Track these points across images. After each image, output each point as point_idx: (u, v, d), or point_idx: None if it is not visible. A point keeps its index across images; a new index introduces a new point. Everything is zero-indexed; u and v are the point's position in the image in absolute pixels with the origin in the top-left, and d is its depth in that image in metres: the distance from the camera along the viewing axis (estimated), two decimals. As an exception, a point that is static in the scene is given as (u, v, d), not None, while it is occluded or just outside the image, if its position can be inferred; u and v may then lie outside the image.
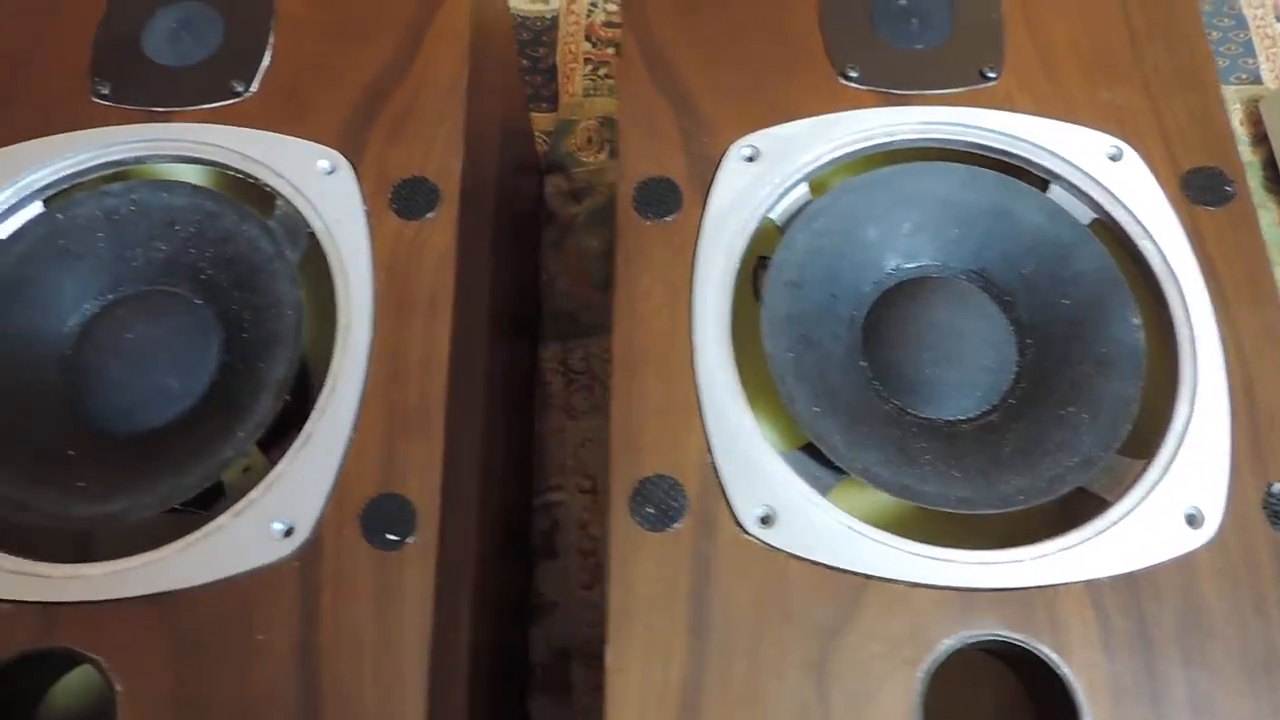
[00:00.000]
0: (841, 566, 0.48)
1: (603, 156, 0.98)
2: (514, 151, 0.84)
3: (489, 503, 0.65)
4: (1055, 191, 0.56)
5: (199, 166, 0.58)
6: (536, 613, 0.84)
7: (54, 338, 0.56)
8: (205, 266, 0.57)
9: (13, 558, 0.49)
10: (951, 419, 0.54)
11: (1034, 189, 0.56)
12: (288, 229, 0.56)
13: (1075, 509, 0.51)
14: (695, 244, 0.54)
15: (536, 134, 1.00)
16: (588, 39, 1.03)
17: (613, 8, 1.04)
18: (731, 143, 0.57)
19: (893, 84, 0.58)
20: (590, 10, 1.04)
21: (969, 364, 0.54)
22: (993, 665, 0.54)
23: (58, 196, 0.58)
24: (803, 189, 0.57)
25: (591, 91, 1.00)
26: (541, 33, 1.04)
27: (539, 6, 1.06)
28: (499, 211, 0.70)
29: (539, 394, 0.91)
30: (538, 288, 0.95)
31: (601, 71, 1.01)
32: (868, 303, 0.56)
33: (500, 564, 0.72)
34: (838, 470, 0.51)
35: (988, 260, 0.56)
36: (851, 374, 0.54)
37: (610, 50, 1.02)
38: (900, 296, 0.56)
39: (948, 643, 0.46)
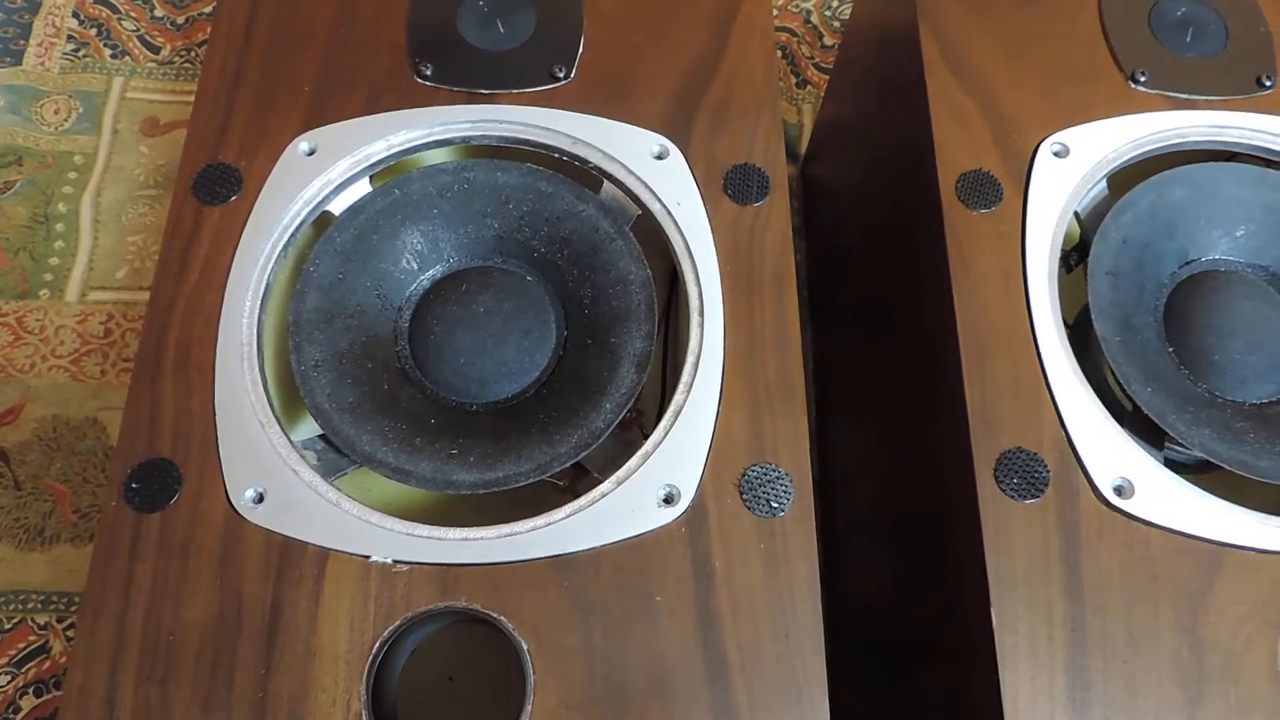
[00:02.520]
0: (1199, 535, 0.51)
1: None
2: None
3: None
4: (1333, 193, 0.61)
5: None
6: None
7: (393, 310, 0.57)
8: (539, 244, 0.58)
9: (403, 521, 0.50)
10: (1259, 401, 0.57)
11: (1318, 190, 0.60)
12: (615, 210, 0.58)
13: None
14: (1023, 234, 0.57)
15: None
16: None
17: (774, 10, 1.07)
18: (1039, 139, 0.60)
19: (1178, 89, 0.62)
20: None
21: (1270, 350, 0.58)
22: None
23: (384, 174, 0.60)
24: (1102, 185, 0.60)
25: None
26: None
27: None
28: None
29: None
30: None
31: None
32: (1166, 293, 0.60)
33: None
34: (1157, 449, 0.55)
35: (1275, 256, 0.60)
36: (1165, 359, 0.58)
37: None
38: (1200, 288, 0.59)
39: (1303, 605, 0.50)
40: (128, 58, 0.98)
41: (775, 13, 1.06)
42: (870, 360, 0.76)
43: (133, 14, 1.00)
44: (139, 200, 0.92)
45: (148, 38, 0.99)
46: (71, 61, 0.98)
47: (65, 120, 0.95)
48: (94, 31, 0.99)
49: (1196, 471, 0.57)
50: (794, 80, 1.02)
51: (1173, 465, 0.57)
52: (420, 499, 0.59)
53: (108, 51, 0.98)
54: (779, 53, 1.04)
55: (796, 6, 1.06)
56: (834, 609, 0.85)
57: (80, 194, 0.91)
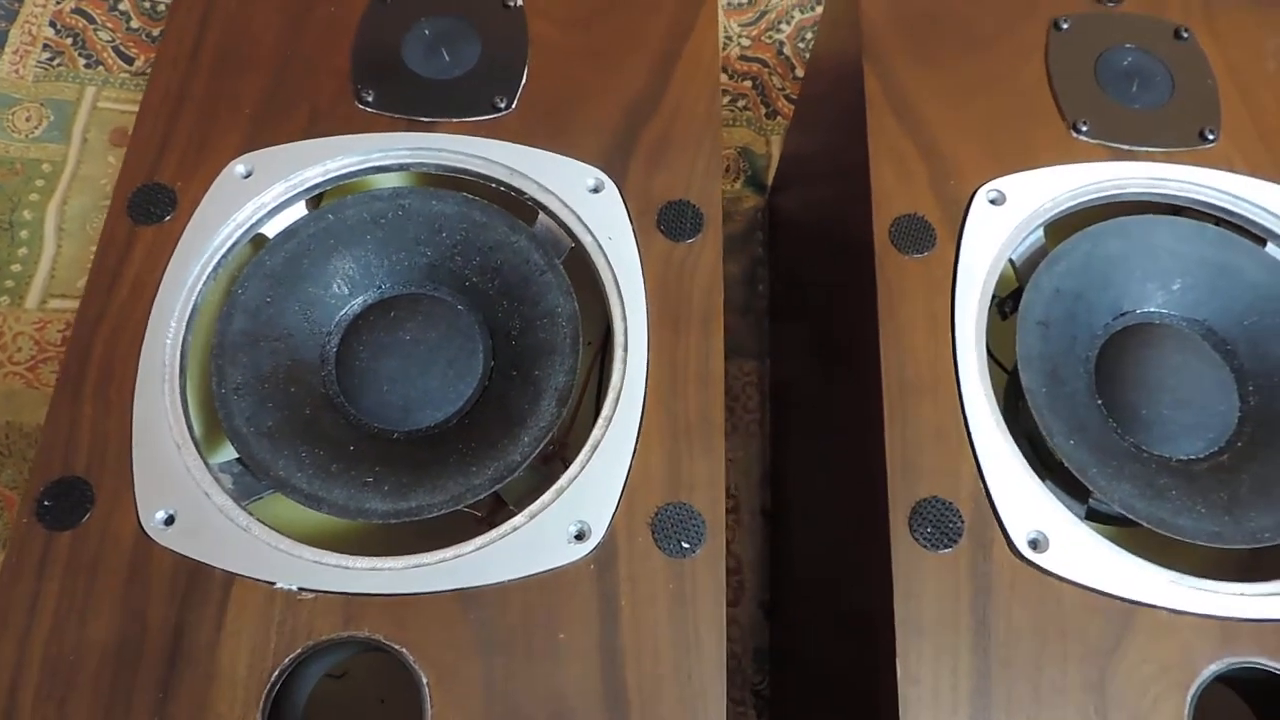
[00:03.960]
0: (1111, 592, 0.51)
1: (739, 185, 1.01)
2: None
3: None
4: (1271, 249, 0.61)
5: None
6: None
7: (321, 335, 0.58)
8: (470, 274, 0.59)
9: (312, 548, 0.50)
10: (1184, 458, 0.57)
11: (1255, 246, 0.60)
12: (548, 242, 0.58)
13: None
14: (954, 280, 0.57)
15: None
16: (724, 71, 1.06)
17: (747, 41, 1.07)
18: (977, 186, 0.60)
19: (1120, 139, 0.62)
20: (726, 43, 1.07)
21: (1199, 407, 0.57)
22: (1227, 696, 0.57)
23: (321, 198, 0.60)
24: (1039, 233, 0.60)
25: (729, 123, 1.03)
26: (675, 61, 1.07)
27: (671, 36, 1.09)
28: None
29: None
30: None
31: (740, 103, 1.04)
32: (1098, 344, 0.60)
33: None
34: (1080, 502, 0.55)
35: (1210, 311, 0.60)
36: (1092, 411, 0.57)
37: (746, 83, 1.05)
38: (1132, 340, 0.59)
39: (1213, 668, 0.50)
40: (101, 67, 0.99)
41: (748, 43, 1.07)
42: (816, 395, 0.76)
43: (109, 24, 1.01)
44: (104, 210, 0.92)
45: (122, 48, 1.00)
46: (46, 70, 0.99)
47: (36, 128, 0.96)
48: (70, 41, 1.00)
49: (1124, 524, 0.57)
50: (764, 111, 1.03)
51: (1099, 517, 0.57)
52: (360, 527, 0.59)
53: (82, 61, 0.99)
54: (750, 83, 1.04)
55: (770, 38, 1.06)
56: (778, 638, 0.85)
57: (46, 202, 0.92)
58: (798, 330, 0.87)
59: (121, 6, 1.02)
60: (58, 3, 1.01)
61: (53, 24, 1.01)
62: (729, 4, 1.09)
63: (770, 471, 0.92)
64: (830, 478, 0.69)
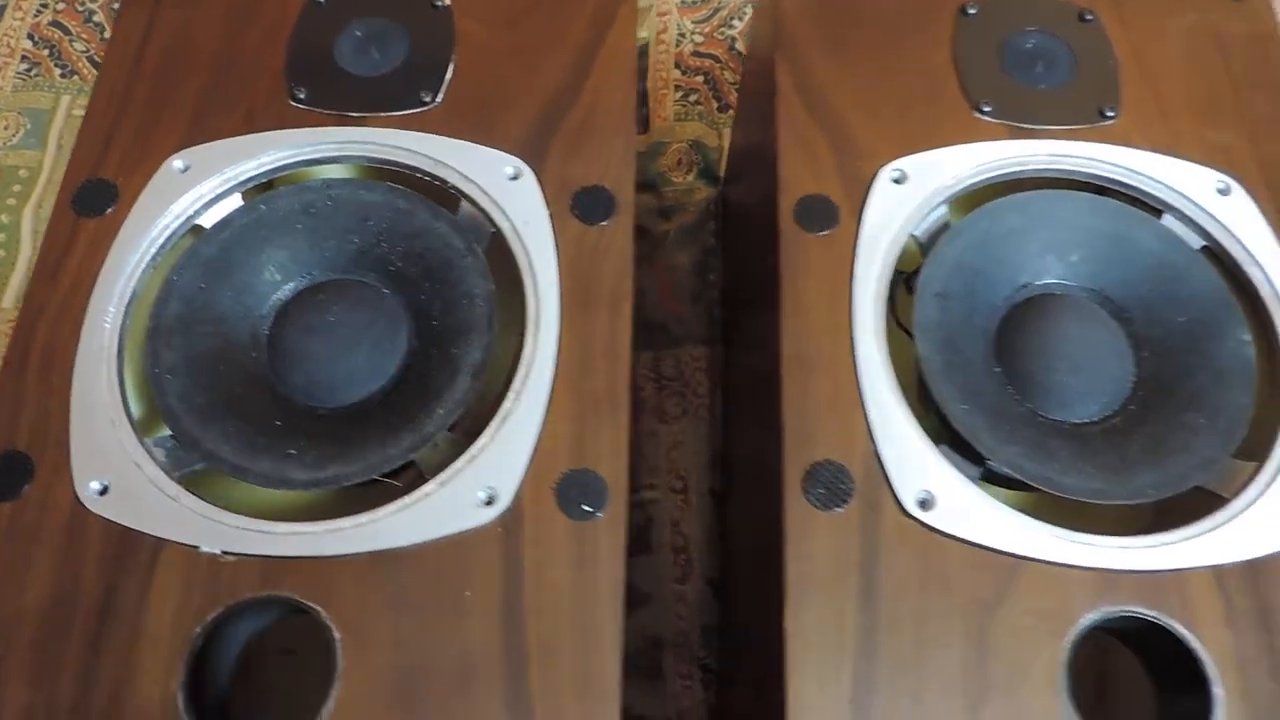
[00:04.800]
0: (995, 547, 0.53)
1: (691, 177, 1.04)
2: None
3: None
4: (1168, 220, 0.63)
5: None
6: (631, 604, 0.88)
7: (254, 318, 0.61)
8: (395, 259, 0.62)
9: (238, 515, 0.53)
10: (1079, 421, 0.59)
11: (1150, 217, 0.62)
12: (470, 229, 0.62)
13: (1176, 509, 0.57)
14: (853, 256, 0.60)
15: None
16: (676, 67, 1.09)
17: (700, 38, 1.10)
18: (880, 166, 0.62)
19: (1022, 119, 0.64)
20: (679, 40, 1.10)
21: (1094, 373, 0.60)
22: (1113, 646, 0.59)
23: (254, 190, 0.63)
24: (942, 210, 0.63)
25: (681, 116, 1.06)
26: (632, 59, 1.10)
27: (629, 35, 1.12)
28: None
29: (632, 399, 0.96)
30: (630, 298, 1.00)
31: (692, 98, 1.07)
32: (999, 315, 0.62)
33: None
34: (976, 465, 0.57)
35: (1107, 280, 0.62)
36: (989, 379, 0.60)
37: (699, 78, 1.08)
38: (1031, 310, 0.61)
39: (1090, 616, 0.52)
40: (76, 77, 1.03)
41: (701, 39, 1.10)
42: (747, 377, 0.79)
43: (84, 36, 1.06)
44: (80, 212, 0.96)
45: (96, 58, 1.05)
46: (24, 80, 1.03)
47: (13, 136, 1.00)
48: (46, 52, 1.05)
49: (1019, 487, 0.59)
50: (716, 105, 1.06)
51: (997, 480, 0.59)
52: (319, 502, 0.61)
53: (58, 71, 1.04)
54: (702, 78, 1.07)
55: (722, 34, 1.09)
56: (726, 615, 0.88)
57: (22, 206, 0.96)
58: (743, 317, 0.90)
59: (96, 19, 1.06)
60: (35, 15, 1.06)
61: (30, 36, 1.06)
62: (683, 2, 1.12)
63: (721, 454, 0.94)
64: (753, 452, 0.71)
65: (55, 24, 1.07)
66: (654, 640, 0.87)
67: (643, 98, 1.08)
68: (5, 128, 1.01)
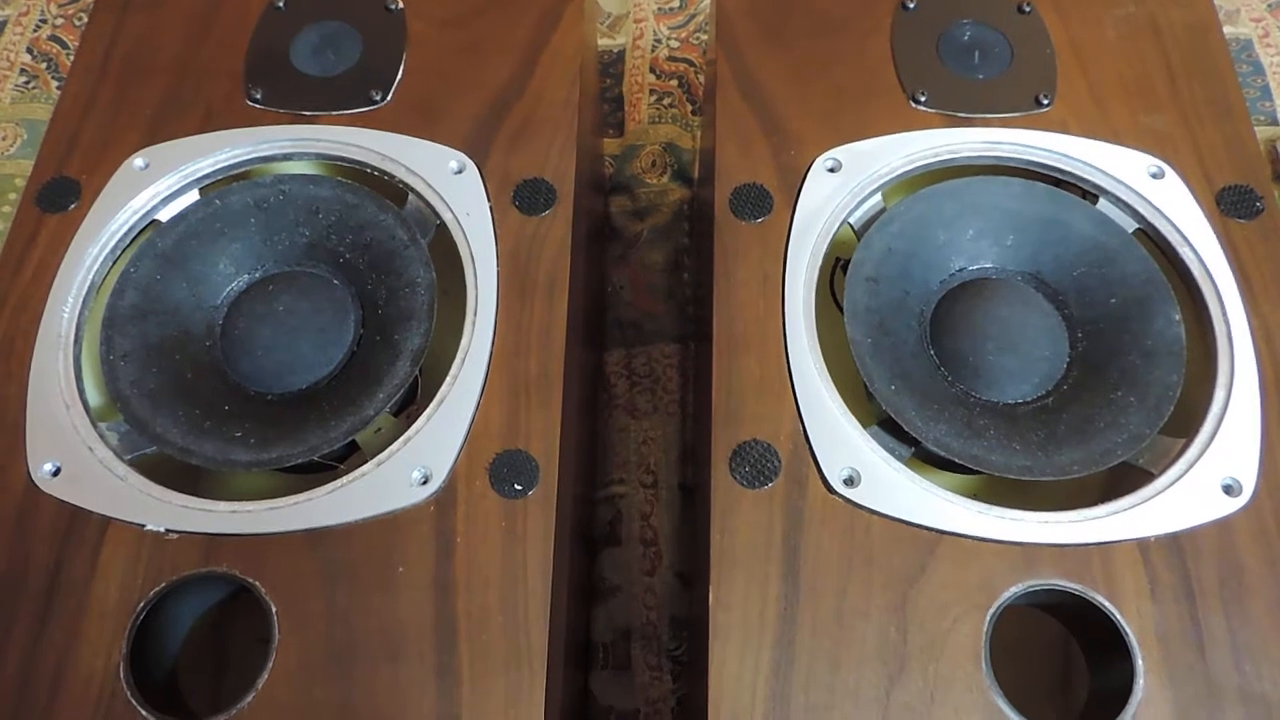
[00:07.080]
0: (917, 522, 0.54)
1: (665, 179, 1.06)
2: (591, 170, 0.91)
3: (573, 478, 0.71)
4: (1103, 204, 0.63)
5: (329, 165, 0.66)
6: (600, 596, 0.89)
7: (208, 307, 0.63)
8: (344, 251, 0.64)
9: (181, 494, 0.55)
10: (1011, 402, 0.60)
11: (1084, 201, 0.63)
12: (417, 221, 0.64)
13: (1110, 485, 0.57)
14: (786, 243, 0.61)
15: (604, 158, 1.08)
16: (652, 71, 1.11)
17: (675, 43, 1.12)
18: (816, 156, 0.64)
19: (957, 108, 0.66)
20: (655, 45, 1.12)
21: (1027, 354, 0.60)
22: (1046, 622, 0.60)
23: (212, 186, 0.66)
24: (877, 198, 0.64)
25: (656, 119, 1.08)
26: (609, 65, 1.12)
27: (606, 41, 1.14)
28: (581, 220, 0.77)
29: (604, 395, 0.97)
30: (604, 298, 1.02)
31: (666, 101, 1.09)
32: (934, 299, 0.63)
33: (574, 546, 0.78)
34: (909, 445, 0.58)
35: (1042, 263, 0.63)
36: (922, 360, 0.61)
37: (673, 82, 1.10)
38: (964, 294, 0.62)
39: (1013, 590, 0.52)
40: (69, 90, 1.07)
41: (676, 45, 1.12)
42: (704, 368, 0.80)
43: (78, 50, 1.10)
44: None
45: (89, 72, 1.08)
46: (21, 92, 1.07)
47: (11, 146, 1.04)
48: (44, 65, 1.09)
49: (951, 467, 0.60)
50: (690, 108, 1.07)
51: (930, 459, 0.60)
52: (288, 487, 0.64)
53: (55, 84, 1.08)
54: (676, 82, 1.09)
55: (696, 39, 1.11)
56: (693, 606, 0.88)
57: (16, 213, 1.00)
58: (706, 312, 0.91)
59: (91, 34, 1.10)
60: (35, 30, 1.10)
61: (30, 50, 1.10)
62: (661, 9, 1.14)
63: (691, 449, 0.95)
64: (701, 440, 0.72)
65: (53, 38, 1.11)
66: (623, 631, 0.88)
67: (618, 102, 1.11)
68: (3, 138, 1.04)
